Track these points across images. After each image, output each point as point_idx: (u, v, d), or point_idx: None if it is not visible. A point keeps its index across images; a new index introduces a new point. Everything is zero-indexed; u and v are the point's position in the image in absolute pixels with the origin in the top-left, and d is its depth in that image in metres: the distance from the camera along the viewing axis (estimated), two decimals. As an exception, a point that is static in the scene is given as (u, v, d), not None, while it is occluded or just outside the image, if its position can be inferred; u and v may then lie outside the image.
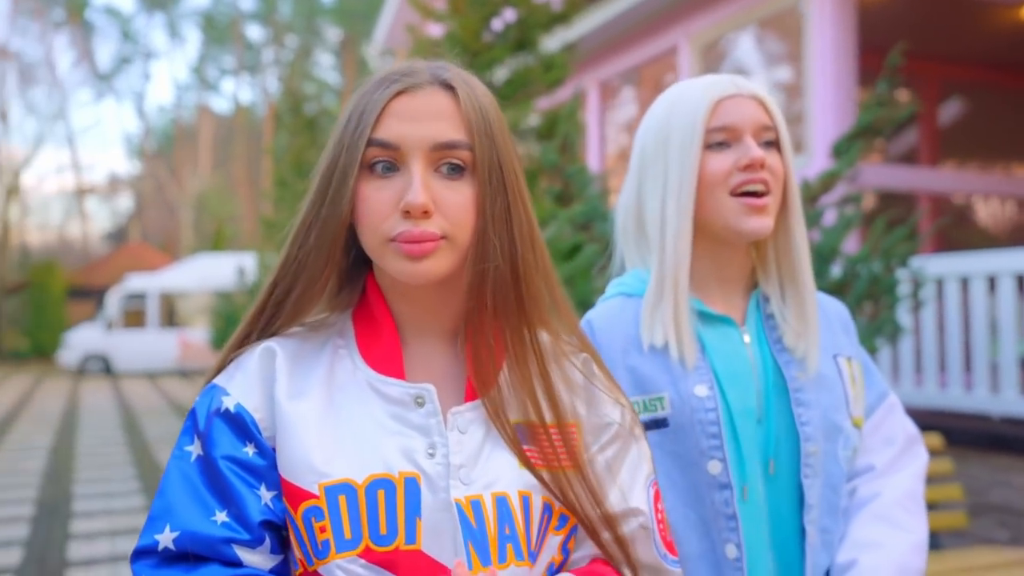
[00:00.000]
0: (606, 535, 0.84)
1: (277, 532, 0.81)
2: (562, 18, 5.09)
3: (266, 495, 0.80)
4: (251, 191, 31.99)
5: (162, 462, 7.16)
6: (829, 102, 4.76)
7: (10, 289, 24.74)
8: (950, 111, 6.78)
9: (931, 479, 2.72)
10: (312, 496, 0.77)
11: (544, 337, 0.87)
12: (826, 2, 4.82)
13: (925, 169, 6.21)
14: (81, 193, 35.07)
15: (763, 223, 1.02)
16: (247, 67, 36.66)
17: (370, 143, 0.79)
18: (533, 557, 0.80)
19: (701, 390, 1.01)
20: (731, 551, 0.99)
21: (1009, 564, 2.68)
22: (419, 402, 0.81)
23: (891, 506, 1.06)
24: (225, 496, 0.79)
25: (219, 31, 35.82)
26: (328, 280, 0.85)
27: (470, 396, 0.83)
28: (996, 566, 2.66)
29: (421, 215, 0.77)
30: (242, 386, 0.82)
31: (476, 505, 0.78)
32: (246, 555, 0.78)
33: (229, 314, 12.04)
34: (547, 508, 0.82)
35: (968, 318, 4.04)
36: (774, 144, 1.05)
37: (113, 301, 18.18)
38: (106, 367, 17.90)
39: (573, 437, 0.84)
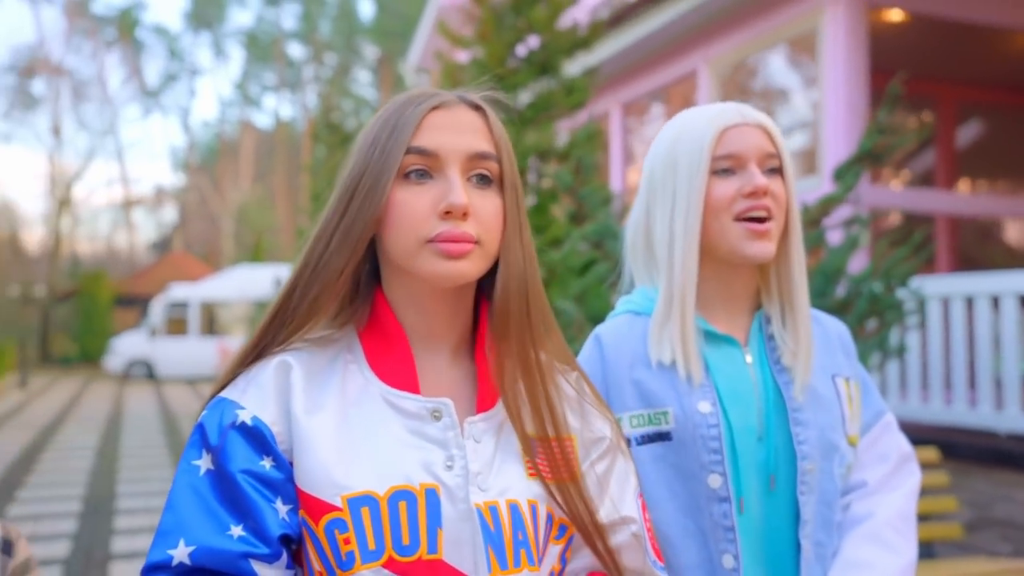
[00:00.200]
0: (600, 545, 0.86)
1: (291, 546, 0.81)
2: (583, 44, 5.30)
3: (282, 509, 0.79)
4: (290, 204, 32.43)
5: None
6: (841, 126, 4.87)
7: (60, 297, 25.31)
8: (968, 133, 6.80)
9: (927, 491, 2.82)
10: (335, 508, 0.78)
11: (542, 355, 0.89)
12: (839, 29, 4.94)
13: (941, 191, 6.26)
14: (128, 205, 36.06)
15: (765, 248, 1.06)
16: (288, 84, 37.49)
17: (408, 151, 0.81)
18: (540, 563, 0.82)
19: (704, 407, 1.04)
20: (728, 561, 1.02)
21: (1000, 573, 2.74)
22: (436, 416, 0.82)
23: (883, 527, 1.08)
24: (242, 510, 0.78)
25: (262, 49, 36.78)
26: (344, 286, 0.85)
27: (482, 407, 0.85)
28: (988, 574, 2.73)
29: (462, 216, 0.80)
30: (257, 400, 0.82)
31: (493, 511, 0.80)
32: (263, 570, 0.78)
33: (266, 324, 12.30)
34: (549, 518, 0.84)
35: (973, 336, 4.12)
36: (778, 171, 1.08)
37: (157, 309, 18.67)
38: (149, 372, 18.37)
39: (570, 450, 0.86)
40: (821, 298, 3.37)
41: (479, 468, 0.81)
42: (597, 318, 3.29)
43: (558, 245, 4.16)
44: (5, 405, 12.73)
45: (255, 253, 25.55)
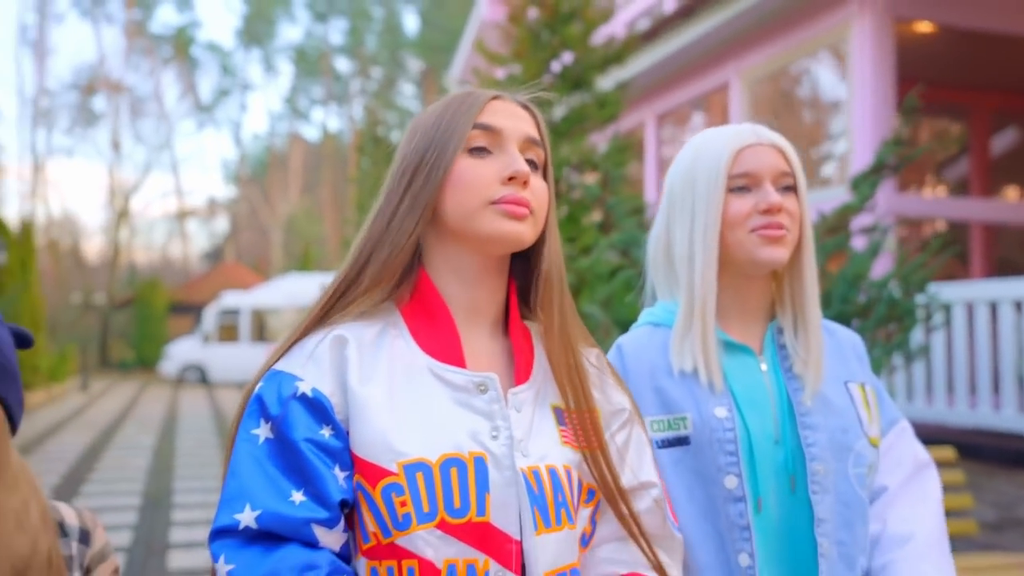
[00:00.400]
0: (624, 509, 0.91)
1: (344, 511, 0.85)
2: (615, 59, 5.48)
3: (340, 475, 0.83)
4: (336, 215, 32.93)
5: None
6: (868, 135, 4.94)
7: (118, 304, 26.14)
8: (1003, 141, 6.76)
9: (944, 489, 2.89)
10: (391, 473, 0.82)
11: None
12: (866, 42, 5.02)
13: (975, 199, 6.25)
14: (182, 216, 37.00)
15: (779, 253, 1.10)
16: (335, 97, 38.26)
17: (475, 126, 0.89)
18: (574, 522, 0.89)
19: (721, 412, 1.08)
20: (744, 560, 1.06)
21: (1011, 567, 2.80)
22: (482, 389, 0.87)
23: (929, 549, 1.11)
24: (304, 476, 0.82)
25: (310, 64, 37.65)
26: (410, 251, 0.90)
27: (520, 378, 0.90)
28: (997, 567, 2.78)
29: (523, 184, 0.88)
30: (315, 372, 0.85)
31: (536, 475, 0.85)
32: (324, 535, 0.81)
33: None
34: (579, 483, 0.91)
35: (997, 341, 4.17)
36: (792, 188, 1.13)
37: (209, 317, 19.22)
38: (202, 377, 18.92)
39: (597, 421, 0.92)
40: (844, 303, 3.47)
41: (521, 436, 0.86)
42: (622, 322, 3.45)
43: (588, 253, 4.33)
44: (68, 407, 13.27)
45: (303, 262, 26.01)
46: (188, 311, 24.79)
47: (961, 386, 4.29)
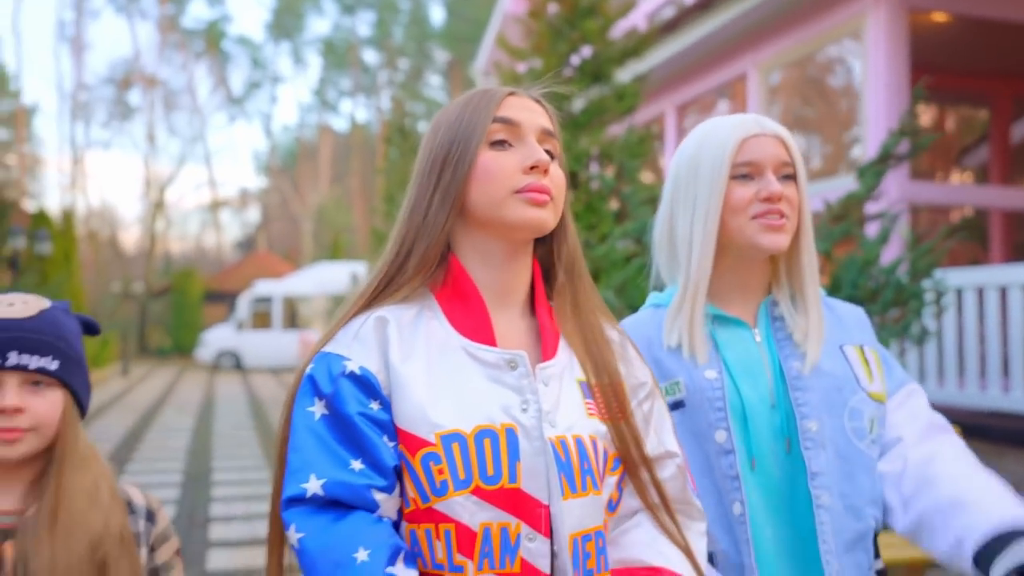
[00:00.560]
0: (645, 476, 0.96)
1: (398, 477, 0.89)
2: (633, 52, 5.59)
3: (389, 444, 0.88)
4: (365, 205, 33.19)
5: (285, 444, 7.97)
6: (882, 125, 5.02)
7: (155, 293, 26.73)
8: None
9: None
10: (429, 444, 0.87)
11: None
12: (880, 34, 5.09)
13: (993, 186, 6.27)
14: (215, 207, 37.77)
15: (779, 239, 1.15)
16: (363, 88, 38.59)
17: (495, 120, 0.94)
18: (599, 488, 0.93)
19: (710, 374, 1.15)
20: (736, 508, 1.11)
21: None
22: (512, 365, 0.92)
23: (962, 455, 1.13)
24: (360, 446, 0.87)
25: (338, 56, 37.97)
26: (445, 241, 0.95)
27: (547, 355, 0.95)
28: None
29: (543, 172, 0.93)
30: (362, 352, 0.91)
31: (563, 444, 0.90)
32: (383, 500, 0.87)
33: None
34: (605, 452, 0.95)
35: (1007, 325, 4.26)
36: (792, 177, 1.17)
37: (243, 304, 19.65)
38: (237, 363, 19.36)
39: (622, 393, 0.97)
40: (854, 288, 3.58)
41: (549, 408, 0.91)
42: (636, 308, 3.55)
43: (604, 241, 4.49)
44: (110, 391, 13.74)
45: (333, 251, 26.39)
46: (222, 299, 25.25)
47: (972, 368, 4.39)
